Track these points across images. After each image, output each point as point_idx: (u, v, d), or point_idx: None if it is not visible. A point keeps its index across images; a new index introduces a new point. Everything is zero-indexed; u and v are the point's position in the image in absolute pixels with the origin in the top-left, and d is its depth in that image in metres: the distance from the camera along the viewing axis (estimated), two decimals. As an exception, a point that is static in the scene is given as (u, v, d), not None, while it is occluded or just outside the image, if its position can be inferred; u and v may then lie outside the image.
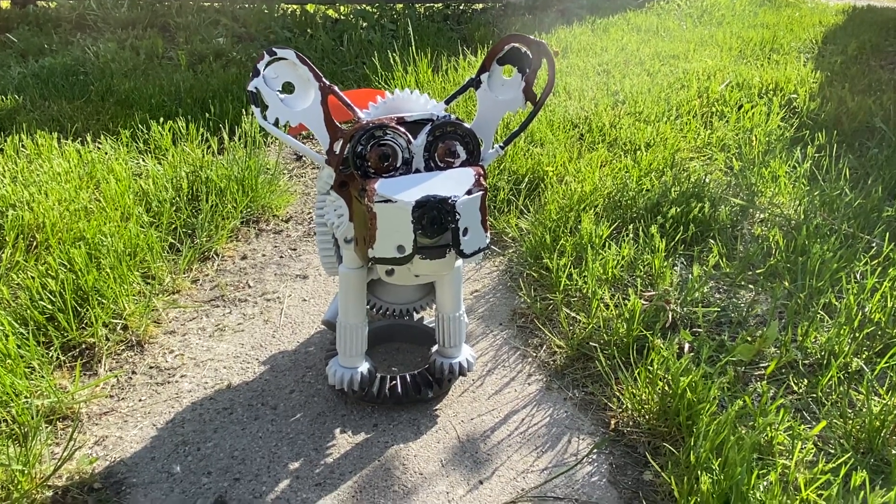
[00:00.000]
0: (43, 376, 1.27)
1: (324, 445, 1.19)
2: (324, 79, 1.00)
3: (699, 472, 0.98)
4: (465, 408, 1.28)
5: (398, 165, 0.93)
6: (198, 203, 1.89)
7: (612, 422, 1.22)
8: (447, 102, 1.07)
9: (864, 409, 1.12)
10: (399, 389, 1.25)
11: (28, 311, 1.38)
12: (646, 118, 2.34)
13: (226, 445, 1.20)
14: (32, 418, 1.16)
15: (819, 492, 0.96)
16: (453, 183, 0.91)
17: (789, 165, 1.91)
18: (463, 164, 0.96)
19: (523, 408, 1.28)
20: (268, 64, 1.00)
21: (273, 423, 1.25)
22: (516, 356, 1.41)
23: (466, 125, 0.98)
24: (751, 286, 1.51)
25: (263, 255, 1.83)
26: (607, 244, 1.60)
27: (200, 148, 2.16)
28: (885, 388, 1.17)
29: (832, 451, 1.06)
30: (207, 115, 2.47)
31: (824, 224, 1.59)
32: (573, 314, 1.45)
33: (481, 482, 1.12)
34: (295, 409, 1.28)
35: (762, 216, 1.78)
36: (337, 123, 1.02)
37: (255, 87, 1.01)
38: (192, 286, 1.67)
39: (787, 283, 1.44)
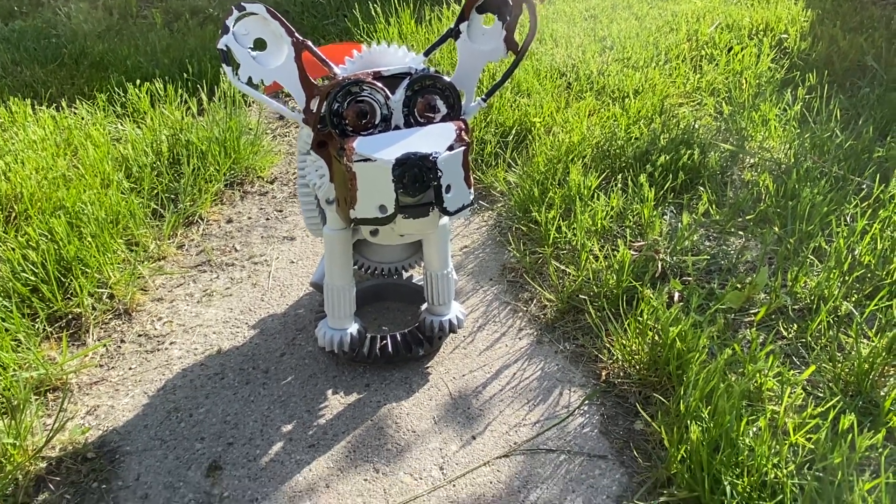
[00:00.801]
0: (30, 348, 1.26)
1: (316, 407, 1.19)
2: (296, 34, 0.96)
3: (689, 421, 0.99)
4: (456, 364, 1.28)
5: (377, 122, 0.91)
6: (179, 167, 1.85)
7: (603, 373, 1.22)
8: (426, 54, 1.03)
9: (854, 352, 1.13)
10: (390, 348, 1.25)
11: (10, 284, 1.37)
12: (634, 64, 2.29)
13: (218, 411, 1.20)
14: (21, 391, 1.15)
15: (808, 435, 0.97)
16: (434, 139, 0.89)
17: (779, 108, 1.88)
18: (444, 119, 0.93)
19: (514, 362, 1.28)
20: (237, 20, 0.96)
21: (265, 387, 1.24)
22: (507, 311, 1.40)
23: (446, 78, 0.95)
24: (740, 233, 1.50)
25: (249, 218, 1.80)
26: (596, 195, 1.58)
27: (180, 110, 2.11)
28: (874, 331, 1.17)
29: (821, 395, 1.07)
30: (186, 75, 2.40)
31: (815, 167, 1.57)
32: (563, 267, 1.44)
33: (474, 437, 1.13)
34: (286, 371, 1.28)
35: (752, 161, 1.76)
36: (312, 80, 0.98)
37: (225, 45, 0.97)
38: (178, 252, 1.65)
39: (776, 229, 1.43)
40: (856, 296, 1.26)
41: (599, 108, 2.01)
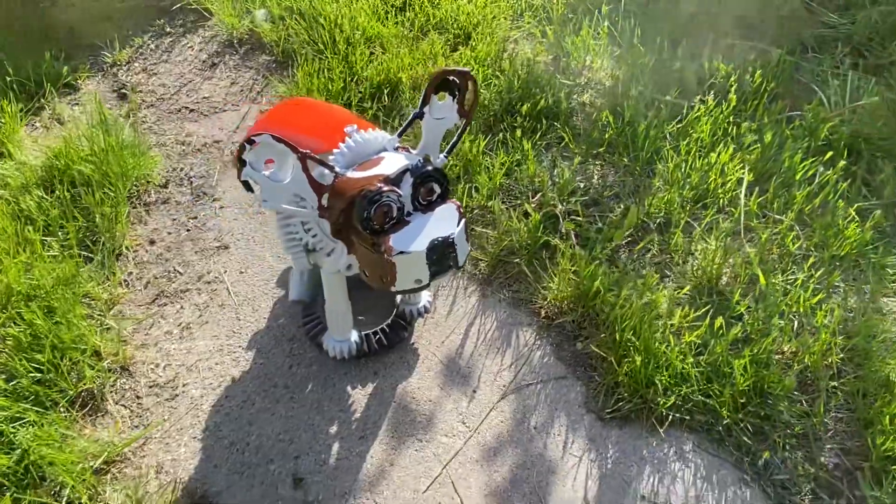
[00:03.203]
0: (75, 437, 1.39)
1: (346, 404, 1.50)
2: (298, 149, 1.13)
3: (629, 348, 1.45)
4: (433, 334, 1.62)
5: (394, 216, 1.14)
6: (78, 201, 1.84)
7: (542, 312, 1.65)
8: (399, 136, 1.25)
9: (700, 254, 1.65)
10: (384, 340, 1.56)
11: (28, 386, 1.43)
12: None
13: (269, 433, 1.46)
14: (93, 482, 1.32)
15: (695, 333, 1.48)
16: (446, 222, 1.16)
17: (594, 31, 2.26)
18: (440, 196, 1.19)
19: (474, 318, 1.65)
20: (250, 151, 1.10)
21: (294, 400, 1.51)
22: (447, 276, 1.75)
23: (438, 167, 1.19)
24: (597, 162, 1.93)
25: (169, 233, 1.89)
26: (485, 154, 1.90)
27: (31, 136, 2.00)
28: (712, 237, 1.69)
29: (692, 297, 1.59)
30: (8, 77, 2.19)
31: (638, 94, 2.01)
32: (480, 229, 1.79)
33: (475, 391, 1.52)
34: (303, 381, 1.55)
35: (584, 82, 2.15)
36: (319, 182, 1.17)
37: (247, 177, 1.12)
38: (126, 291, 1.73)
39: (625, 160, 1.88)
40: (689, 207, 1.76)
41: (446, 50, 2.25)
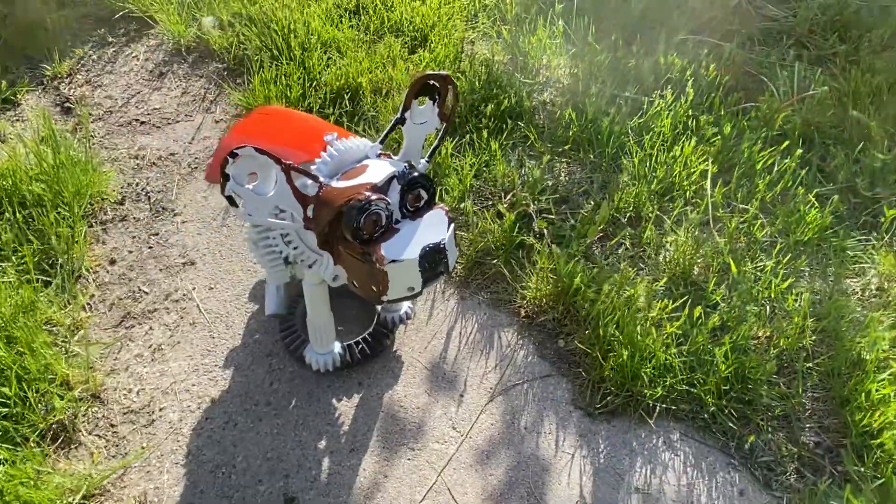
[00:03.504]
0: (50, 472, 1.32)
1: (332, 417, 1.47)
2: (282, 160, 1.10)
3: (614, 343, 1.47)
4: (415, 340, 1.61)
5: (384, 224, 1.12)
6: (31, 223, 1.75)
7: (522, 311, 1.65)
8: (381, 142, 1.23)
9: (671, 246, 1.69)
10: (367, 350, 1.54)
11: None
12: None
13: (255, 453, 1.42)
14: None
15: (675, 325, 1.51)
16: (436, 228, 1.14)
17: (549, 30, 2.28)
18: (426, 203, 1.17)
19: (455, 322, 1.65)
20: (232, 164, 1.06)
21: (278, 417, 1.48)
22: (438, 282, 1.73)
23: (423, 173, 1.18)
24: (563, 160, 1.95)
25: (130, 252, 1.82)
26: (453, 156, 1.89)
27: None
28: (682, 229, 1.73)
29: (668, 289, 1.62)
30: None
31: (598, 91, 2.04)
32: (458, 232, 1.78)
33: (461, 395, 1.52)
34: (286, 397, 1.51)
35: (543, 81, 2.17)
36: (303, 193, 1.14)
37: (232, 191, 1.08)
38: (90, 315, 1.66)
39: (591, 156, 1.90)
40: (658, 201, 1.80)
41: (405, 53, 2.24)
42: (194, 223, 1.88)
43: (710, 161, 1.78)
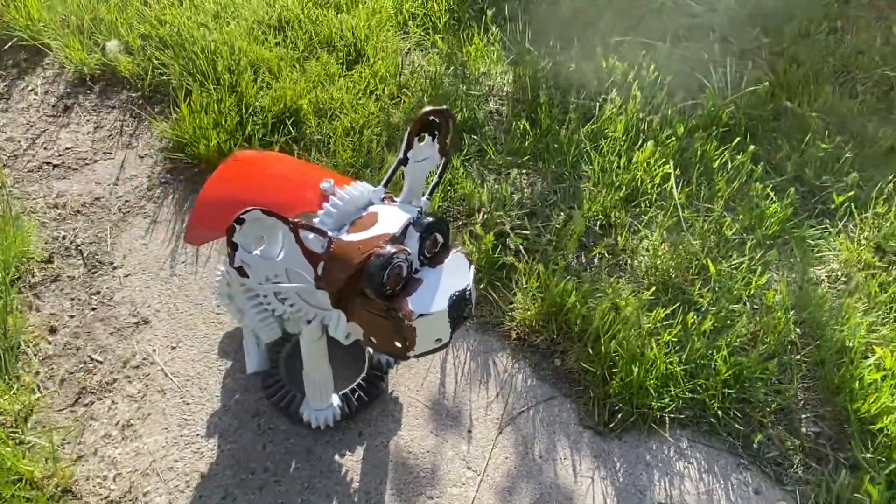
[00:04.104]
0: None
1: (339, 476, 1.38)
2: (289, 220, 1.00)
3: (618, 360, 1.47)
4: (409, 378, 1.54)
5: (405, 276, 1.04)
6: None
7: (513, 334, 1.62)
8: (385, 185, 1.14)
9: (647, 252, 1.70)
10: (364, 397, 1.45)
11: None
12: (327, 2, 2.37)
13: (263, 528, 1.30)
14: None
15: (672, 333, 1.52)
16: (460, 274, 1.07)
17: (484, 39, 2.23)
18: (442, 247, 1.11)
19: (446, 353, 1.59)
20: (239, 231, 0.95)
21: (279, 484, 1.36)
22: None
23: (439, 217, 1.10)
24: (524, 171, 1.92)
25: (72, 316, 1.63)
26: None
27: None
28: (655, 234, 1.75)
29: (654, 296, 1.63)
30: None
31: (547, 98, 2.02)
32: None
33: (470, 431, 1.46)
34: (283, 460, 1.40)
35: (486, 91, 2.13)
36: (312, 251, 1.04)
37: (241, 261, 0.96)
38: (40, 397, 1.47)
39: (552, 166, 1.89)
40: (624, 207, 1.81)
41: (345, 70, 2.13)
42: (139, 275, 1.71)
43: (671, 163, 1.81)
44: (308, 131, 1.96)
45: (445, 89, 2.04)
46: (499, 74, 2.17)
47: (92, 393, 1.48)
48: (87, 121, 2.10)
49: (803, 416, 1.48)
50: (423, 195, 1.20)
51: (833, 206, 1.81)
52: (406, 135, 1.13)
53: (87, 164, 1.98)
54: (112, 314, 1.63)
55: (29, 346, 1.54)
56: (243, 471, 1.38)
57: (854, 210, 1.78)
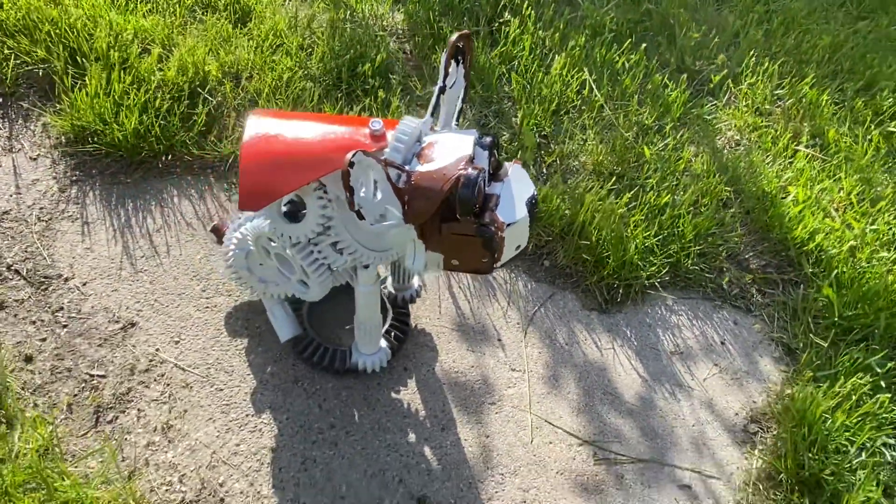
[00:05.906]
0: None
1: (405, 409, 1.42)
2: (379, 158, 1.00)
3: (599, 246, 1.65)
4: (427, 310, 1.59)
5: (485, 193, 1.10)
6: None
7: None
8: (432, 116, 1.17)
9: (594, 150, 1.90)
10: (400, 334, 1.49)
11: None
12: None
13: (355, 476, 1.32)
14: None
15: (640, 212, 1.73)
16: (524, 180, 1.15)
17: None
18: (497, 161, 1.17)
19: (450, 280, 1.67)
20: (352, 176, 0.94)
21: (352, 434, 1.38)
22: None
23: (494, 135, 1.16)
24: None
25: (43, 340, 1.46)
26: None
27: None
28: (590, 134, 1.93)
29: (616, 188, 1.82)
30: None
31: (449, 28, 2.10)
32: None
33: (500, 339, 1.57)
34: (345, 412, 1.41)
35: (381, 31, 2.15)
36: (400, 187, 1.06)
37: (360, 203, 0.96)
38: (52, 427, 1.32)
39: (479, 91, 1.99)
40: (552, 118, 1.97)
41: (239, 32, 2.03)
42: (99, 281, 1.56)
43: (585, 70, 2.00)
44: (229, 97, 1.86)
45: (350, 34, 2.04)
46: (386, 14, 2.20)
47: (110, 408, 1.36)
48: (-55, 132, 1.80)
49: (749, 255, 1.78)
50: (454, 121, 1.26)
51: (711, 86, 2.12)
52: (442, 63, 1.17)
53: (-28, 177, 1.71)
54: (89, 326, 1.48)
55: (11, 381, 1.36)
56: (311, 433, 1.37)
57: (731, 85, 2.11)
